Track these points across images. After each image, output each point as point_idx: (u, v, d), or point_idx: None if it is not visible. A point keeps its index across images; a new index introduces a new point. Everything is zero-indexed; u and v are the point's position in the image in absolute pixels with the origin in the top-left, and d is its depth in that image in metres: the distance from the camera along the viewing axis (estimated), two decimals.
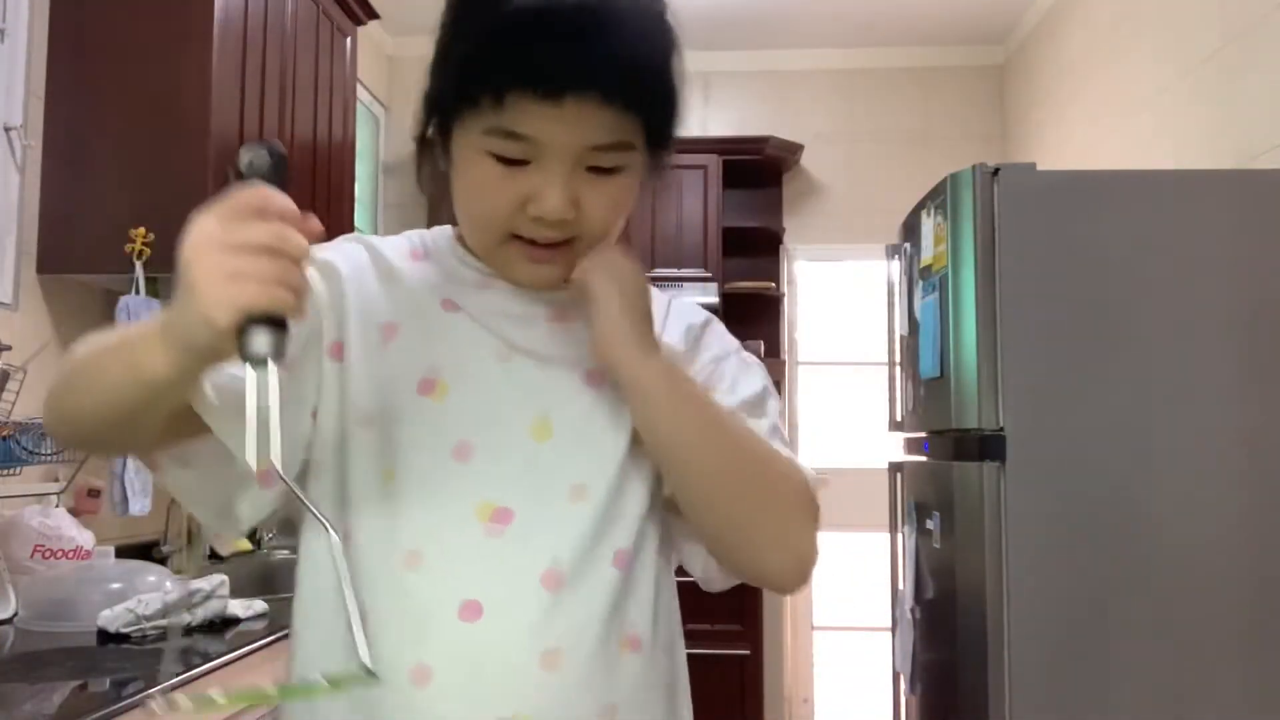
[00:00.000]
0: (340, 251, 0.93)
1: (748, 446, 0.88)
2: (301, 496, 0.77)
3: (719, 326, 1.00)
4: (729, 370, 0.95)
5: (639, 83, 0.82)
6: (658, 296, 0.99)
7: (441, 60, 0.85)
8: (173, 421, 0.79)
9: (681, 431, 0.85)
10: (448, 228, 0.97)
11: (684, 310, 1.00)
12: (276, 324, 0.67)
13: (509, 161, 0.82)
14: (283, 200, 0.68)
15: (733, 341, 0.99)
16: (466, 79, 0.81)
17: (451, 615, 0.82)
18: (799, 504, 0.88)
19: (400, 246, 0.96)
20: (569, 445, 0.88)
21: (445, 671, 0.81)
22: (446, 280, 0.93)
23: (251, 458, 0.68)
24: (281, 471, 0.72)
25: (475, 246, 0.92)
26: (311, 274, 0.83)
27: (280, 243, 0.66)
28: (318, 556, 0.87)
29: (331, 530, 0.76)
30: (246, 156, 0.72)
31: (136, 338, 0.73)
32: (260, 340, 0.67)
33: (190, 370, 0.72)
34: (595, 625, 0.84)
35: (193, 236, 0.67)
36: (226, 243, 0.66)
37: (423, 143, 0.89)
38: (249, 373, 0.68)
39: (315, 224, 0.70)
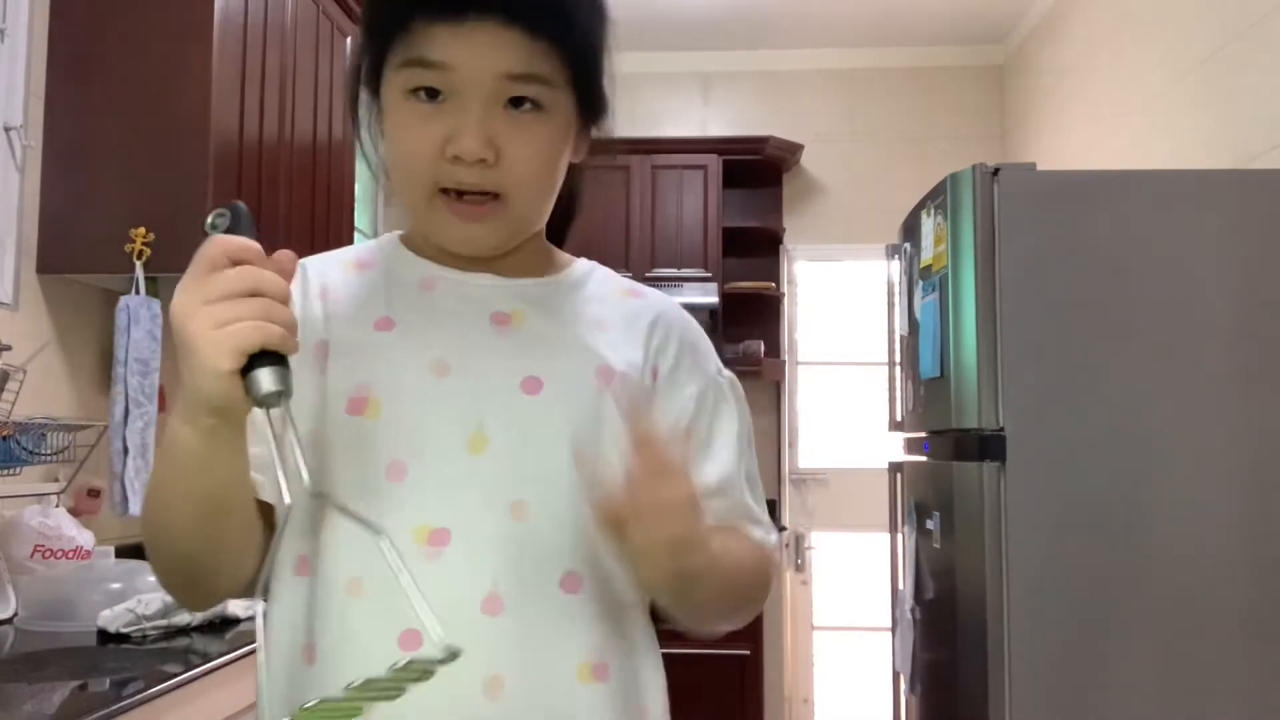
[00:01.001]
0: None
1: (742, 580, 0.90)
2: (346, 509, 0.75)
3: (705, 347, 0.97)
4: (706, 416, 0.93)
5: (544, 7, 0.81)
6: (645, 297, 0.97)
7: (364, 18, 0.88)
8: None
9: (694, 596, 0.83)
10: (398, 232, 0.97)
11: (675, 323, 0.96)
12: (276, 361, 0.70)
13: (427, 95, 0.82)
14: (244, 243, 0.71)
15: (712, 365, 0.96)
16: (377, 14, 0.84)
17: (392, 644, 0.79)
18: (761, 597, 0.93)
19: (344, 258, 0.95)
20: (506, 457, 0.84)
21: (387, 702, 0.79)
22: (387, 287, 0.91)
23: (285, 493, 0.71)
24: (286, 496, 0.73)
25: (408, 209, 0.89)
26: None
27: (257, 283, 0.69)
28: (283, 610, 0.86)
29: (378, 532, 0.72)
30: (209, 219, 0.75)
31: (168, 434, 0.77)
32: (265, 378, 0.69)
33: (215, 434, 0.74)
34: (543, 651, 0.82)
35: (175, 304, 0.70)
36: (207, 297, 0.69)
37: (355, 113, 0.89)
38: (260, 415, 0.71)
39: (285, 257, 0.73)
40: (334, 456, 0.84)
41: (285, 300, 0.71)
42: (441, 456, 0.83)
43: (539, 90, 0.83)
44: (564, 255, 0.98)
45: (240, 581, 0.86)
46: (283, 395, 0.70)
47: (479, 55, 0.81)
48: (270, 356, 0.69)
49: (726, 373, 0.97)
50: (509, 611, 0.81)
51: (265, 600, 0.88)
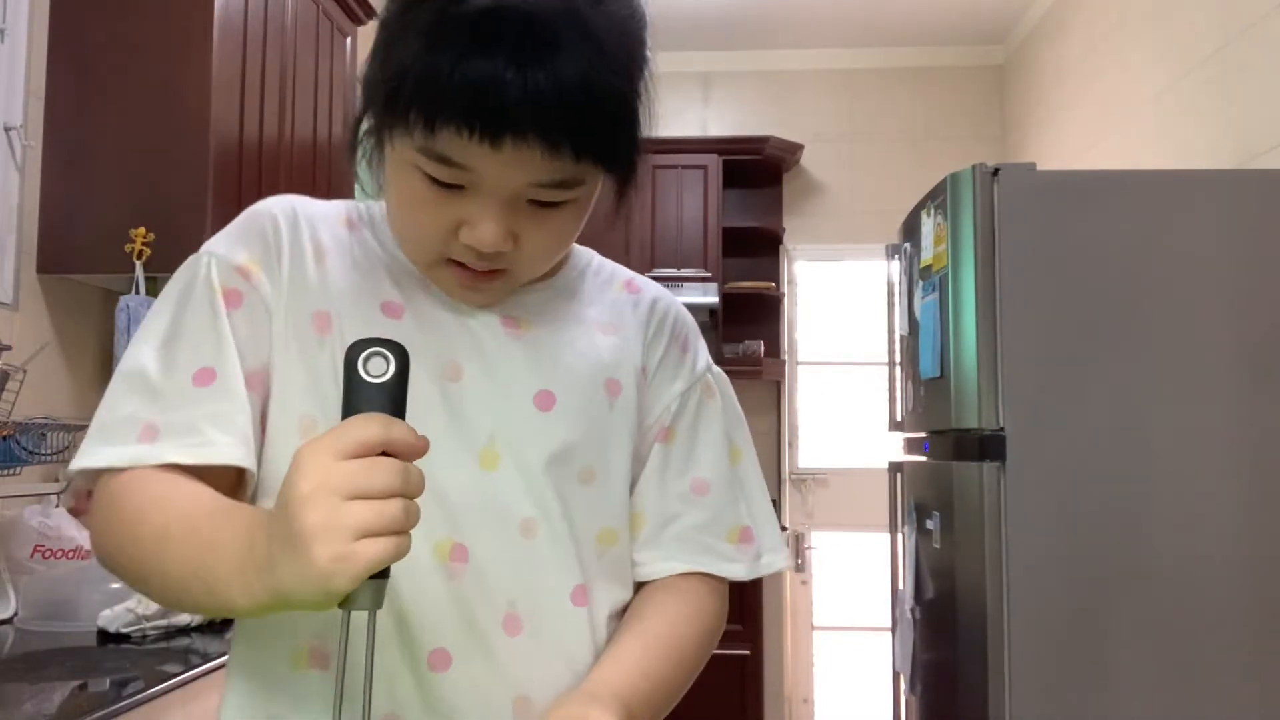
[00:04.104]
0: (274, 222, 0.84)
1: (684, 678, 0.85)
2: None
3: (695, 343, 0.95)
4: (689, 416, 0.91)
5: (592, 125, 0.71)
6: (642, 291, 0.95)
7: (380, 55, 0.75)
8: None
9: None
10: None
11: (668, 316, 0.94)
12: (383, 573, 0.60)
13: (442, 184, 0.75)
14: (407, 434, 0.61)
15: (701, 361, 0.94)
16: (398, 93, 0.71)
17: (421, 665, 0.78)
18: (710, 650, 0.88)
19: (331, 214, 0.87)
20: (515, 475, 0.81)
21: None
22: (388, 268, 0.84)
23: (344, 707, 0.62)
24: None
25: (409, 260, 0.84)
26: (261, 278, 0.81)
27: (406, 485, 0.60)
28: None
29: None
30: (367, 357, 0.62)
31: (214, 560, 0.66)
32: (366, 595, 0.60)
33: (274, 611, 0.65)
34: (565, 668, 0.81)
35: (307, 476, 0.59)
36: (350, 490, 0.59)
37: (357, 134, 0.79)
38: (342, 617, 0.62)
39: (425, 444, 0.63)
40: None
41: (418, 494, 0.61)
42: (457, 469, 0.80)
43: (569, 192, 0.77)
44: None
45: None
46: (374, 609, 0.61)
47: (510, 171, 0.73)
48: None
49: (716, 369, 0.95)
50: (527, 631, 0.80)
51: None
